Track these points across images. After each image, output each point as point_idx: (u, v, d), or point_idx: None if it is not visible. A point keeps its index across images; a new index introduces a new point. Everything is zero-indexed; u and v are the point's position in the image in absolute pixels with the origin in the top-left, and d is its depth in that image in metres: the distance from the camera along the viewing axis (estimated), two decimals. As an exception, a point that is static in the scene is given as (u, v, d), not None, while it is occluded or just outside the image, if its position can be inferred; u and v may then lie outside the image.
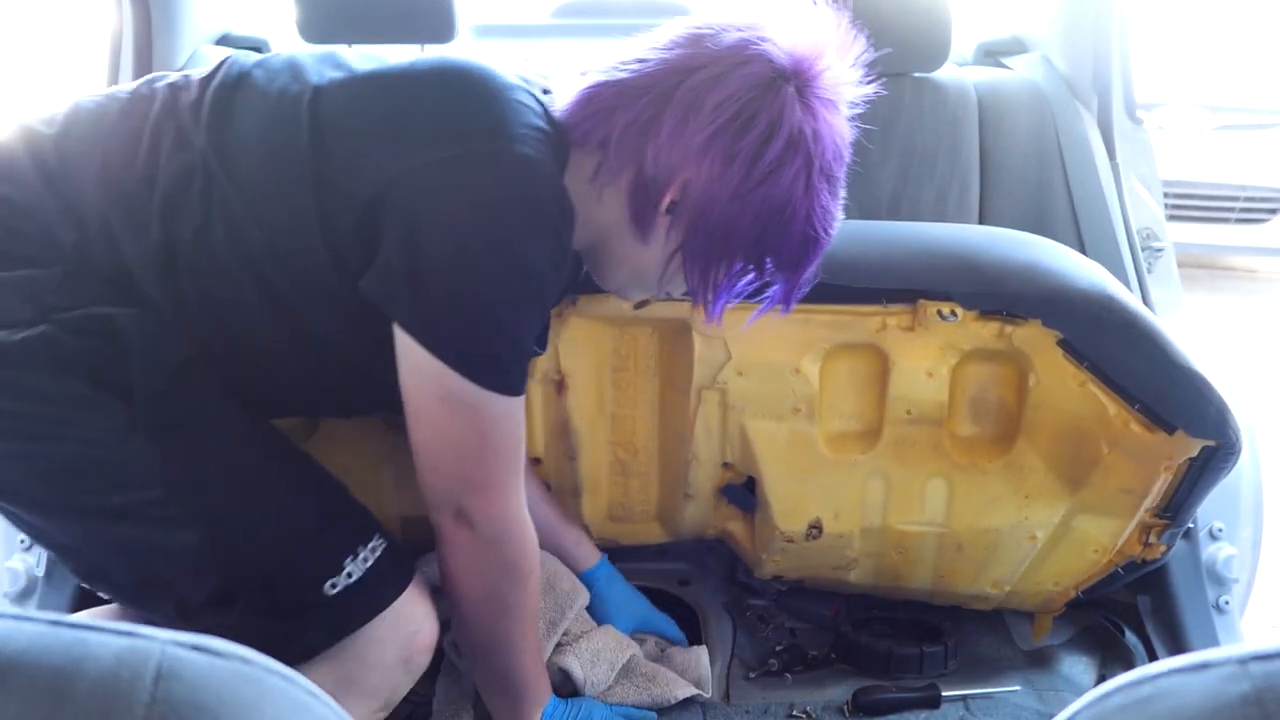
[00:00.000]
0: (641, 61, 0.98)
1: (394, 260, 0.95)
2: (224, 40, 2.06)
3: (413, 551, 1.31)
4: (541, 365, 1.36)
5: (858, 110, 1.03)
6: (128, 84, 1.08)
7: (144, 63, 1.84)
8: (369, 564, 1.05)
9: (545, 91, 1.05)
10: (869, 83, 1.02)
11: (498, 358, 0.99)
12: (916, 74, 1.87)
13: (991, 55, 2.10)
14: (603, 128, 0.99)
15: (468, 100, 0.98)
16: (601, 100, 0.99)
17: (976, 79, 1.92)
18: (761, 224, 0.99)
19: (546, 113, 1.01)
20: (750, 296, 1.10)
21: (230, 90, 1.02)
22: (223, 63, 1.06)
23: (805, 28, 0.99)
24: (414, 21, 1.87)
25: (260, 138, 0.99)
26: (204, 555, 0.99)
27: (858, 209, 1.84)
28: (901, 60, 1.85)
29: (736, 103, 0.95)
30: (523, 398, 1.04)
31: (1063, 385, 1.28)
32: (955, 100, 1.86)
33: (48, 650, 0.36)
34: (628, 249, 1.06)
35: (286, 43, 2.13)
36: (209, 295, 1.00)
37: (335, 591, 1.03)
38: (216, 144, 0.98)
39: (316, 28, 1.88)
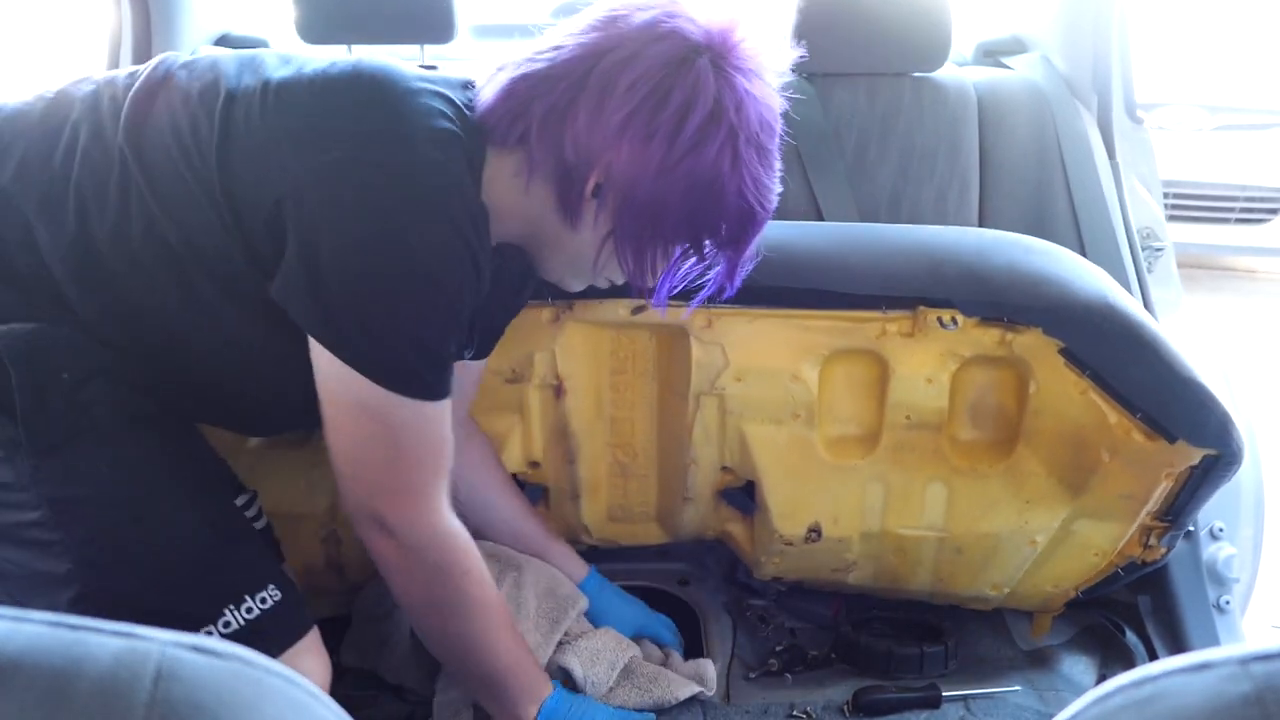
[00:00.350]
0: (557, 49, 0.97)
1: (295, 264, 0.94)
2: (223, 40, 2.06)
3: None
4: (540, 370, 1.36)
5: (787, 79, 1.02)
6: (56, 83, 1.06)
7: (143, 63, 1.84)
8: (253, 615, 1.01)
9: (466, 86, 1.03)
10: (776, 65, 1.01)
11: (403, 360, 0.97)
12: (916, 74, 1.87)
13: (991, 55, 2.10)
14: (522, 120, 0.98)
15: (370, 104, 0.97)
16: (518, 94, 0.98)
17: (976, 79, 1.92)
18: (691, 201, 0.98)
19: (460, 112, 0.99)
20: (697, 279, 1.09)
21: (152, 90, 1.01)
22: (151, 63, 1.05)
23: (720, 1, 0.98)
24: (414, 22, 1.87)
25: (174, 139, 0.98)
26: (75, 582, 0.96)
27: (858, 209, 1.85)
28: (901, 60, 1.85)
29: (650, 81, 0.94)
30: (444, 403, 1.01)
31: (1064, 393, 1.27)
32: (955, 100, 1.86)
33: (47, 651, 0.36)
34: (561, 238, 1.04)
35: (286, 43, 2.12)
36: (128, 296, 0.98)
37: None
38: (134, 143, 0.98)
39: (315, 28, 1.88)
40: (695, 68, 0.94)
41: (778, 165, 1.02)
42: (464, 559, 1.08)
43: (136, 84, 1.01)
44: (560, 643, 1.29)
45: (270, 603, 1.03)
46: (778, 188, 1.03)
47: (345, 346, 0.95)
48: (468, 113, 1.00)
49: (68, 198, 0.97)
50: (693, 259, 1.06)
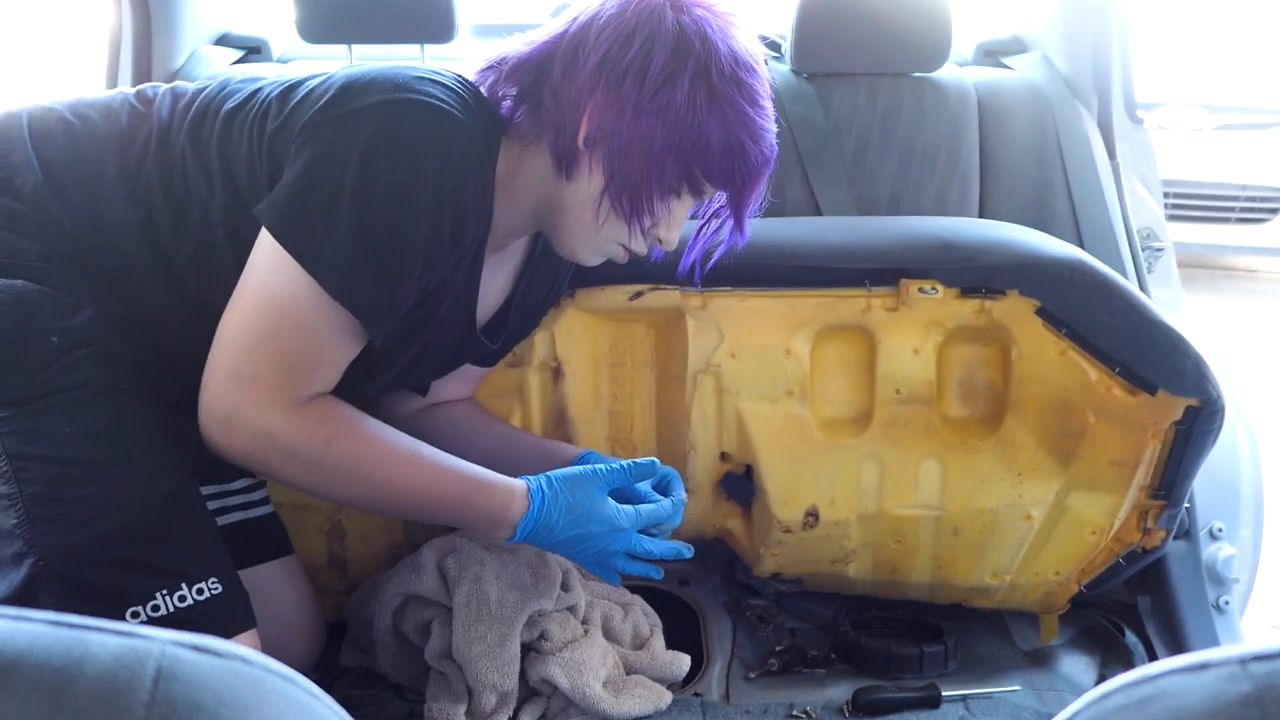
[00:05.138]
0: (537, 38, 1.08)
1: (286, 179, 1.00)
2: (224, 40, 2.06)
3: (413, 547, 1.32)
4: (539, 352, 1.40)
5: (756, 33, 1.08)
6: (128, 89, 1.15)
7: (143, 62, 1.84)
8: (185, 603, 0.99)
9: (466, 82, 1.10)
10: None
11: (322, 245, 0.98)
12: (916, 74, 1.87)
13: (991, 55, 2.10)
14: (512, 94, 1.08)
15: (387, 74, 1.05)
16: (509, 75, 1.08)
17: (976, 79, 1.92)
18: (674, 136, 1.02)
19: (476, 97, 1.07)
20: (704, 224, 1.18)
21: (217, 101, 1.10)
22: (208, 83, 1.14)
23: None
24: (413, 22, 1.87)
25: (229, 123, 1.07)
26: (19, 539, 0.95)
27: (858, 209, 1.86)
28: (901, 60, 1.86)
29: (613, 27, 1.02)
30: (350, 324, 1.01)
31: (1044, 355, 1.33)
32: (955, 100, 1.86)
33: (48, 650, 0.36)
34: (564, 199, 1.09)
35: (286, 43, 2.13)
36: (199, 280, 1.05)
37: (137, 622, 0.97)
38: (193, 139, 1.07)
39: (316, 28, 1.88)
40: (656, 11, 1.02)
41: (767, 105, 1.07)
42: (323, 429, 1.02)
43: (202, 96, 1.11)
44: (543, 650, 1.26)
45: (207, 594, 1.01)
46: (771, 127, 1.07)
47: (278, 217, 0.99)
48: (474, 104, 1.06)
49: (140, 178, 1.06)
50: (692, 203, 1.10)
